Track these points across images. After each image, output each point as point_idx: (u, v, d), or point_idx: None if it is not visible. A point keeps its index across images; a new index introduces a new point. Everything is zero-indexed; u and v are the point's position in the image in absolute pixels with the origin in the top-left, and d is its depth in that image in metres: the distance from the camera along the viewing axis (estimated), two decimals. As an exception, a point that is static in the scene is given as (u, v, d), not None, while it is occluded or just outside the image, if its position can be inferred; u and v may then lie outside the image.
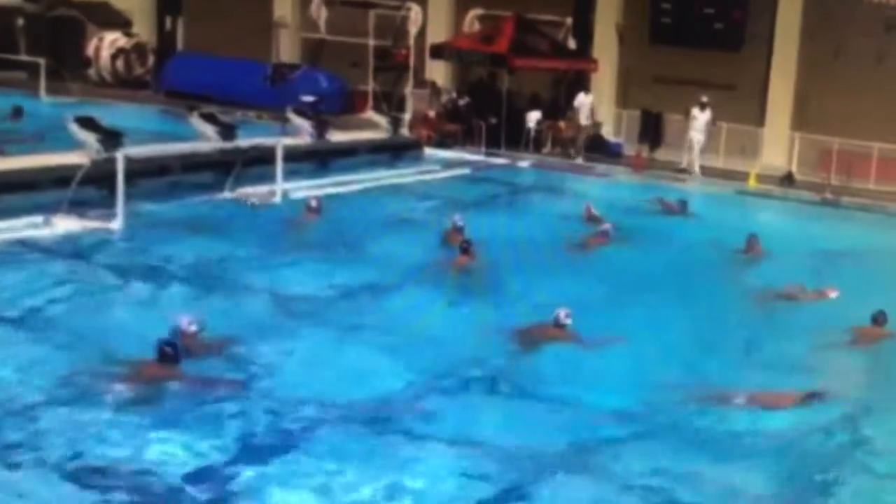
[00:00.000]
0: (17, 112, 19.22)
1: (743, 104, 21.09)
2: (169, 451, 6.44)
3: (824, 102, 20.53)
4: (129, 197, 12.04)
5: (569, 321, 9.03)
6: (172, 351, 7.47)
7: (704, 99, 19.67)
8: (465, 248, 11.46)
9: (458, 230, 12.46)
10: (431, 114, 21.28)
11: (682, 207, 15.75)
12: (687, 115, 19.79)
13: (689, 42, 21.32)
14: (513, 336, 9.11)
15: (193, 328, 8.24)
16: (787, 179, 19.53)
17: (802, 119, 20.85)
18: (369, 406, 7.41)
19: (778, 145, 20.78)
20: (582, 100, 20.82)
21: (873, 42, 20.59)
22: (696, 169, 19.63)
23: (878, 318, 9.86)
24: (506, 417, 7.52)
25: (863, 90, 20.24)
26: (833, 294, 11.06)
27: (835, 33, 20.81)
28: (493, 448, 6.82)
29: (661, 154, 21.02)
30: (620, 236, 13.34)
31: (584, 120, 20.79)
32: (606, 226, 13.45)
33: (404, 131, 19.73)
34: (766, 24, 21.38)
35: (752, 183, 19.18)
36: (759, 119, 21.29)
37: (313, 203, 13.31)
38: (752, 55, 21.48)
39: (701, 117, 19.62)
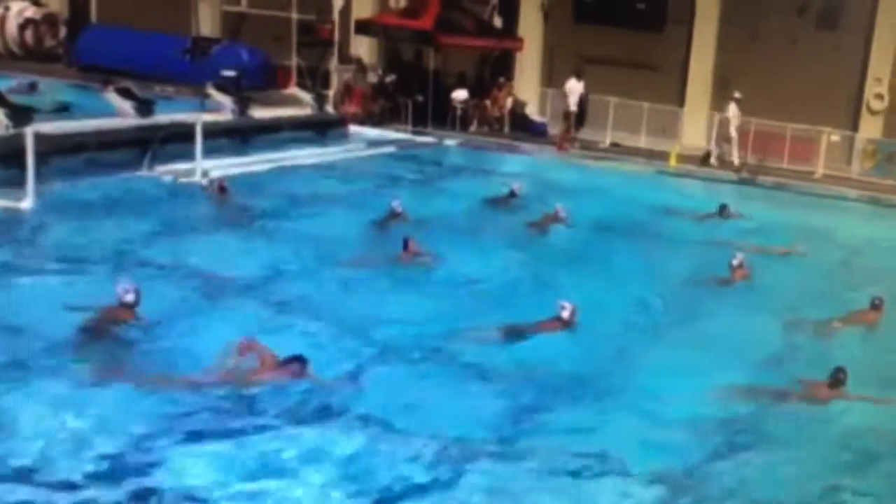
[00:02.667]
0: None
1: (664, 84, 21.56)
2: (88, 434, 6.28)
3: (742, 83, 20.87)
4: (41, 175, 11.64)
5: (564, 314, 8.90)
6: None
7: (738, 94, 19.62)
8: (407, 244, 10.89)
9: (396, 215, 12.35)
10: (357, 90, 21.06)
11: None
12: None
13: (612, 21, 21.67)
14: (501, 329, 8.86)
15: (130, 297, 8.05)
16: (706, 159, 19.92)
17: (721, 99, 21.21)
18: (293, 389, 7.24)
19: (697, 125, 21.26)
20: (573, 85, 20.36)
21: (788, 24, 21.24)
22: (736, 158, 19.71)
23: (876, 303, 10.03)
24: (439, 402, 7.39)
25: (777, 71, 20.90)
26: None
27: (752, 16, 21.40)
28: (423, 432, 6.75)
29: (585, 133, 21.20)
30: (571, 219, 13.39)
31: (572, 106, 20.37)
32: (559, 206, 13.41)
33: (329, 108, 19.56)
34: (686, 6, 21.85)
35: (672, 163, 19.53)
36: (680, 99, 21.77)
37: (221, 183, 13.14)
38: (673, 36, 21.96)
39: (734, 113, 19.58)
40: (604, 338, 9.04)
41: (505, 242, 12.36)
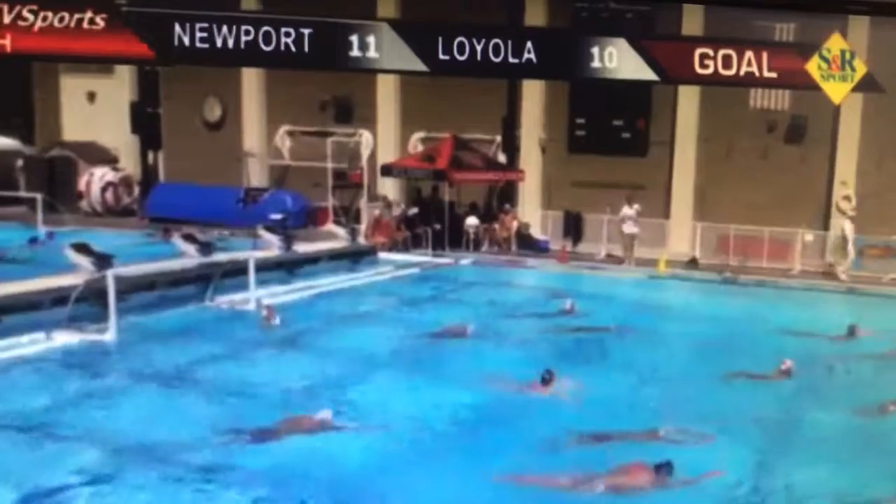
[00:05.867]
0: (33, 241, 19.84)
1: (651, 201, 21.90)
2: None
3: (720, 195, 21.56)
4: (120, 311, 12.11)
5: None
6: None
7: (851, 213, 19.93)
8: (547, 379, 10.09)
9: (463, 330, 12.71)
10: (385, 223, 21.78)
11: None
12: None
13: (601, 151, 22.39)
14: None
15: (328, 417, 8.78)
16: (692, 263, 20.32)
17: (702, 210, 21.80)
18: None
19: (682, 234, 21.63)
20: (626, 211, 20.18)
21: (759, 141, 21.79)
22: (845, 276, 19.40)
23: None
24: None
25: (752, 182, 21.35)
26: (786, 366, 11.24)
27: (726, 135, 21.96)
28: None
29: (582, 247, 21.78)
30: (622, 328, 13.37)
31: (628, 229, 20.17)
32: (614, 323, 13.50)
33: (361, 239, 20.18)
34: (667, 131, 22.48)
35: (661, 268, 19.83)
36: (665, 212, 22.24)
37: (264, 312, 13.51)
38: (656, 158, 22.53)
39: (849, 228, 19.64)
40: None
41: (556, 346, 12.40)
